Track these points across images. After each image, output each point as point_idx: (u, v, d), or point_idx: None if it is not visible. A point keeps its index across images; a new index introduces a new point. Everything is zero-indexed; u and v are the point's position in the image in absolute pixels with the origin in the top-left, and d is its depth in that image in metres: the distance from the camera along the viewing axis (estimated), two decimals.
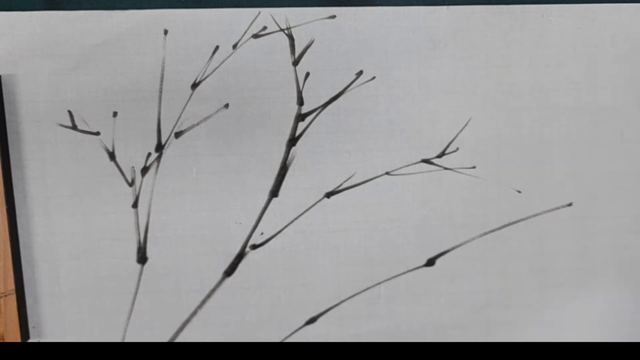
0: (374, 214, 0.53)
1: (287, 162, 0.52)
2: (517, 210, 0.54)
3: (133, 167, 0.51)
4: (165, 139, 0.51)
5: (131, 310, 0.53)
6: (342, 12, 0.51)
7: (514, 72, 0.53)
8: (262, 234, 0.53)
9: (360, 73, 0.51)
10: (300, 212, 0.53)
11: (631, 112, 0.54)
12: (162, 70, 0.50)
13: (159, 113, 0.51)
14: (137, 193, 0.51)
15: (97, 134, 0.50)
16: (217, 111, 0.51)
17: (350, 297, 0.54)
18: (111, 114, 0.50)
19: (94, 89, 0.50)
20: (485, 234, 0.54)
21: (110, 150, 0.51)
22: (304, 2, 0.50)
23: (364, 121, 0.52)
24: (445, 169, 0.53)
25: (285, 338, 0.54)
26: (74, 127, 0.50)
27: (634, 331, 0.50)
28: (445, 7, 0.51)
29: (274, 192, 0.52)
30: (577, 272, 0.55)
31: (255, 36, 0.50)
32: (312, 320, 0.54)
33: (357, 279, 0.54)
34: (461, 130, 0.53)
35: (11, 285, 0.50)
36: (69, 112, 0.50)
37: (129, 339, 0.53)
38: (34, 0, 0.49)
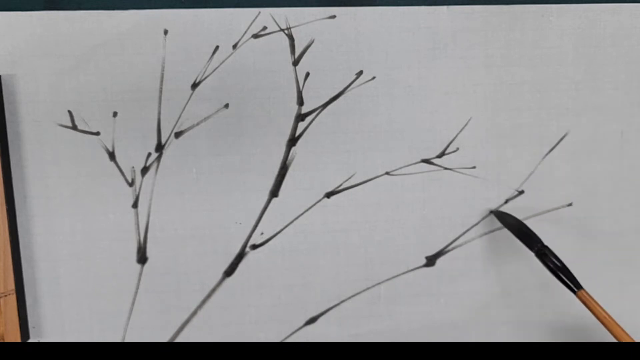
0: (374, 214, 0.53)
1: (287, 162, 0.52)
2: (517, 210, 0.54)
3: (133, 167, 0.51)
4: (165, 139, 0.51)
5: (131, 310, 0.53)
6: (342, 12, 0.51)
7: (514, 72, 0.53)
8: (262, 234, 0.53)
9: (360, 73, 0.51)
10: (300, 212, 0.53)
11: (631, 112, 0.54)
12: (162, 70, 0.50)
13: (159, 113, 0.51)
14: (137, 193, 0.51)
15: (97, 134, 0.50)
16: (217, 111, 0.51)
17: (350, 297, 0.54)
18: (111, 114, 0.50)
19: (94, 89, 0.50)
20: (485, 234, 0.54)
21: (110, 150, 0.51)
22: (304, 2, 0.50)
23: (364, 121, 0.52)
24: (445, 169, 0.53)
25: (285, 338, 0.54)
26: (74, 127, 0.50)
27: (633, 331, 0.50)
28: (445, 7, 0.51)
29: (274, 192, 0.52)
30: (577, 272, 0.55)
31: (255, 36, 0.50)
32: (312, 320, 0.54)
33: (357, 279, 0.54)
34: (461, 130, 0.53)
35: (11, 285, 0.50)
36: (69, 112, 0.50)
37: (129, 339, 0.53)
38: (34, 0, 0.49)
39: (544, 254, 0.50)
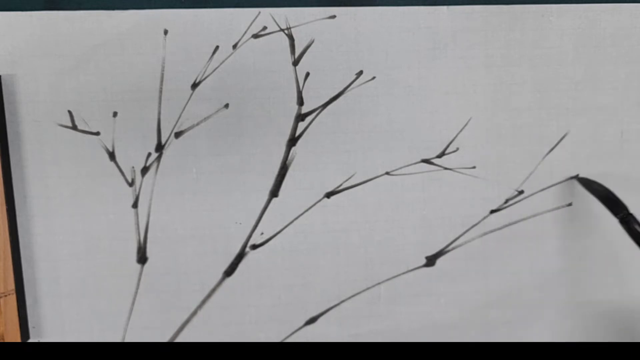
0: (374, 214, 0.53)
1: (287, 162, 0.52)
2: (517, 210, 0.54)
3: (133, 167, 0.51)
4: (165, 139, 0.51)
5: (131, 310, 0.53)
6: (342, 12, 0.51)
7: (514, 72, 0.53)
8: (262, 234, 0.53)
9: (360, 73, 0.51)
10: (300, 212, 0.53)
11: (631, 112, 0.54)
12: (162, 70, 0.50)
13: (159, 113, 0.51)
14: (137, 193, 0.51)
15: (97, 134, 0.50)
16: (217, 111, 0.51)
17: (350, 297, 0.54)
18: (111, 114, 0.50)
19: (94, 89, 0.50)
20: (485, 234, 0.54)
21: (110, 150, 0.51)
22: (304, 2, 0.50)
23: (364, 121, 0.52)
24: (445, 169, 0.53)
25: (285, 338, 0.54)
26: (74, 127, 0.50)
27: (633, 331, 0.50)
28: (445, 7, 0.51)
29: (274, 192, 0.52)
30: (577, 272, 0.55)
31: (255, 36, 0.50)
32: (312, 320, 0.54)
33: (357, 279, 0.54)
34: (461, 130, 0.53)
35: (11, 285, 0.50)
36: (69, 112, 0.50)
37: (129, 339, 0.53)
38: (34, 0, 0.49)
39: (629, 221, 0.49)
